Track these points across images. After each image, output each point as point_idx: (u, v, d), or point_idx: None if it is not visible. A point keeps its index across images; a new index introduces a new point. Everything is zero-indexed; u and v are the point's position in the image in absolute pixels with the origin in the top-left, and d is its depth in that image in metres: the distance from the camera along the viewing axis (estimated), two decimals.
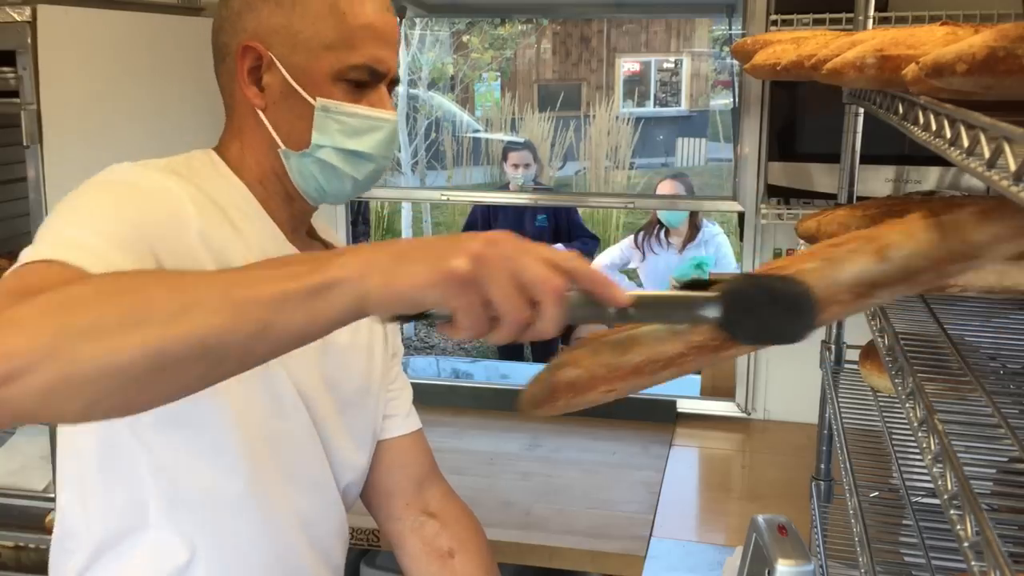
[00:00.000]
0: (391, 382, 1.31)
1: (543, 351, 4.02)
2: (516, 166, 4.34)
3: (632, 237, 4.18)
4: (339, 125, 1.07)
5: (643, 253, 4.04)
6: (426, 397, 2.58)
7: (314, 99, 1.06)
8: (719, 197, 2.40)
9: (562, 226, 4.27)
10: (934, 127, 0.72)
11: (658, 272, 3.97)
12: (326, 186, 1.10)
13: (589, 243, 4.31)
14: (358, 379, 1.20)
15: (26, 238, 1.72)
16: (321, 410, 1.13)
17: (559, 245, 3.94)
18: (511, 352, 4.04)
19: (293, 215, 1.14)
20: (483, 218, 4.31)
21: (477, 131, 10.54)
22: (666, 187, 4.21)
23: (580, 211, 7.33)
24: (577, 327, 3.61)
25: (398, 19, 3.68)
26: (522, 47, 12.77)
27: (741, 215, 2.27)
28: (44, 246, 0.85)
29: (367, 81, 1.07)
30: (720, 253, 3.94)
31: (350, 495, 1.24)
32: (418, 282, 0.67)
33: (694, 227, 3.97)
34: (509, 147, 4.77)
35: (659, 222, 4.01)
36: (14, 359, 0.66)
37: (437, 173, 9.55)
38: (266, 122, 1.08)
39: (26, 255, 0.85)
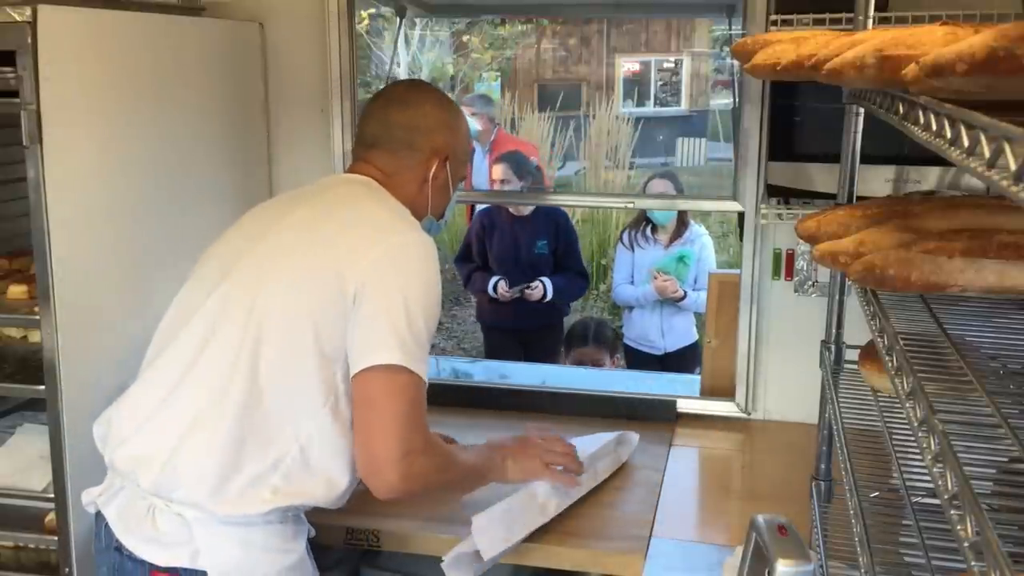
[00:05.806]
0: None
1: (543, 352, 4.02)
2: (499, 181, 4.08)
3: (619, 240, 4.25)
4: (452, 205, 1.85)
5: (631, 248, 4.12)
6: (426, 397, 2.59)
7: (454, 192, 1.80)
8: (719, 197, 2.39)
9: (560, 252, 4.02)
10: (934, 127, 0.72)
11: (644, 265, 4.06)
12: None
13: (576, 281, 4.08)
14: None
15: (26, 238, 1.72)
16: None
17: (545, 279, 3.94)
18: (510, 353, 4.04)
19: None
20: (478, 242, 4.06)
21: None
22: (657, 186, 4.29)
23: (580, 212, 7.41)
24: (577, 347, 3.65)
25: (398, 20, 3.68)
26: (522, 47, 12.76)
27: (741, 215, 2.27)
28: (414, 357, 1.54)
29: None
30: (704, 253, 4.04)
31: None
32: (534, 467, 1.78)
33: (682, 223, 4.06)
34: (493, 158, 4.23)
35: (646, 218, 4.10)
36: (416, 492, 1.55)
37: None
38: (428, 195, 1.72)
39: (396, 355, 1.51)
